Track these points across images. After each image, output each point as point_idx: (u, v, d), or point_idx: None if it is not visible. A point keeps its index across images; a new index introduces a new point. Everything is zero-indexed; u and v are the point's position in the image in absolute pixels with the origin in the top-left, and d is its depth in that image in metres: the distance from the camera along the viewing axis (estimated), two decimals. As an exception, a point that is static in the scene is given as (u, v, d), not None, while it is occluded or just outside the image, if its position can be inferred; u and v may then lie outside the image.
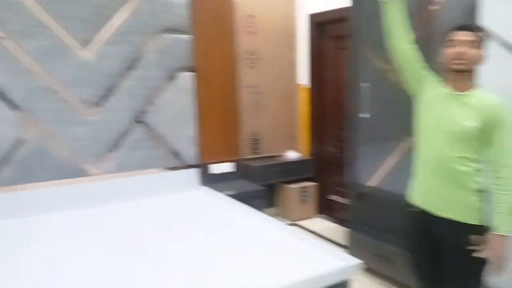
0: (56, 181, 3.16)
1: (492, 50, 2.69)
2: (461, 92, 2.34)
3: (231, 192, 3.69)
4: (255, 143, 4.42)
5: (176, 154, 3.74)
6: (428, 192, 2.48)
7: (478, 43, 2.28)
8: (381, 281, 3.88)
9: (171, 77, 3.64)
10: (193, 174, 3.82)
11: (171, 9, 3.57)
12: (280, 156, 4.62)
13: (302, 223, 4.89)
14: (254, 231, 2.54)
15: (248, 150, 4.37)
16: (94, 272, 2.08)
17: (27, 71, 2.99)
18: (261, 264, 2.07)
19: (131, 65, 3.42)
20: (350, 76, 3.81)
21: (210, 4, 3.85)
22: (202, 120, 3.92)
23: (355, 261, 1.96)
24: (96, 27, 3.23)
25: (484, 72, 2.60)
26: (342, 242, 4.34)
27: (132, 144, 3.48)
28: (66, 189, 3.19)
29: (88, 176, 3.28)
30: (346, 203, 4.15)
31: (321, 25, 4.58)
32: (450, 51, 2.31)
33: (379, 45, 3.04)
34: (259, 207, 2.93)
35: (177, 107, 3.70)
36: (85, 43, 3.19)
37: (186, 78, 3.73)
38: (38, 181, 3.08)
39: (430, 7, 3.37)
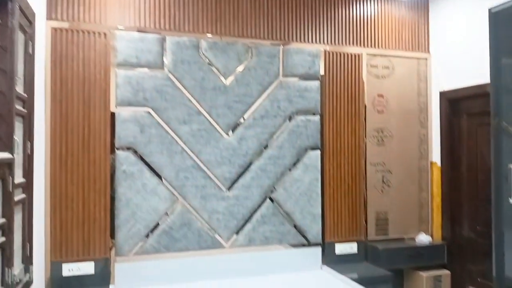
0: (194, 251, 3.43)
1: None
2: None
3: (354, 276, 3.56)
4: (382, 223, 4.27)
5: (300, 231, 3.80)
6: None
7: None
8: None
9: (300, 155, 3.81)
10: (316, 253, 3.82)
11: (304, 93, 3.82)
12: (409, 239, 4.35)
13: (433, 314, 4.41)
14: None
15: (374, 230, 4.23)
16: None
17: (180, 151, 3.42)
18: None
19: (265, 145, 3.68)
20: (494, 157, 3.52)
21: (340, 86, 4.02)
22: (328, 197, 3.96)
23: None
24: (239, 113, 3.60)
25: None
26: None
27: (260, 219, 3.66)
28: (203, 259, 3.45)
29: (221, 248, 3.51)
30: (489, 299, 3.65)
31: (454, 101, 4.40)
32: None
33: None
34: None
35: (305, 184, 3.81)
36: (228, 127, 3.56)
37: (314, 156, 3.87)
38: (179, 251, 3.39)
39: None
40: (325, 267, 3.80)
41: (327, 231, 3.94)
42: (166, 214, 3.38)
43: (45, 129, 3.07)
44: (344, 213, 4.04)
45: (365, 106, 4.15)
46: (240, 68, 3.62)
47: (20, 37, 2.42)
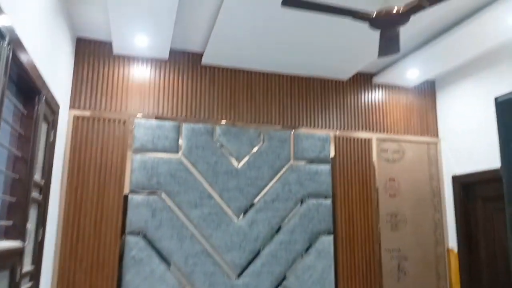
0: None
1: None
2: None
3: None
4: (400, 314, 4.03)
5: (315, 323, 3.59)
6: None
7: None
8: None
9: (312, 240, 3.73)
10: None
11: (315, 176, 3.84)
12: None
13: None
14: None
15: (392, 321, 3.98)
16: None
17: (190, 236, 3.38)
18: None
19: (276, 229, 3.63)
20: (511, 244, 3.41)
21: (351, 170, 4.06)
22: (342, 285, 3.79)
23: None
24: (250, 196, 3.61)
25: None
26: None
27: (272, 308, 3.49)
28: None
29: None
30: None
31: (468, 186, 4.37)
32: None
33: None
34: None
35: (317, 272, 3.68)
36: (239, 210, 3.56)
37: (327, 242, 3.78)
38: None
39: None
40: None
41: (342, 323, 3.72)
42: (174, 302, 3.26)
43: (58, 215, 3.10)
44: (359, 302, 3.85)
45: (377, 190, 4.14)
46: (252, 152, 3.70)
47: (43, 127, 2.55)
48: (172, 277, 3.29)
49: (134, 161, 3.35)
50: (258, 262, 3.52)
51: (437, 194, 4.41)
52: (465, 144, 4.25)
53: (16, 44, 1.83)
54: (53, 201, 2.90)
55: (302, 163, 3.83)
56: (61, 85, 2.96)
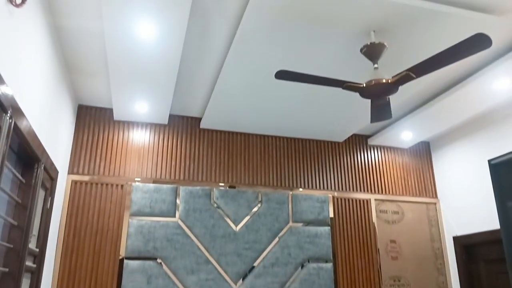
0: None
1: None
2: None
3: None
4: None
5: None
6: None
7: None
8: None
9: (313, 307, 3.60)
10: None
11: (314, 239, 3.79)
12: None
13: None
14: None
15: None
16: None
17: (186, 304, 3.27)
18: None
19: (275, 296, 3.51)
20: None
21: (351, 232, 4.01)
22: None
23: None
24: (249, 260, 3.53)
25: None
26: None
27: None
28: None
29: None
30: None
31: (470, 247, 4.29)
32: None
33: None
34: None
35: None
36: (238, 276, 3.47)
37: (329, 309, 3.64)
38: None
39: None
40: None
41: None
42: None
43: (52, 283, 3.02)
44: None
45: (378, 253, 4.06)
46: (250, 215, 3.67)
47: (40, 194, 2.57)
48: None
49: (130, 226, 3.33)
50: (256, 332, 3.37)
51: (439, 256, 4.32)
52: (463, 204, 4.23)
53: (17, 114, 1.90)
54: (47, 268, 2.84)
55: (301, 225, 3.79)
56: (61, 151, 3.02)
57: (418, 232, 4.30)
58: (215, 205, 3.61)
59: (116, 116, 3.55)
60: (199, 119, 3.85)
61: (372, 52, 2.30)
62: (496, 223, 3.71)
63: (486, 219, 3.92)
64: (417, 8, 2.22)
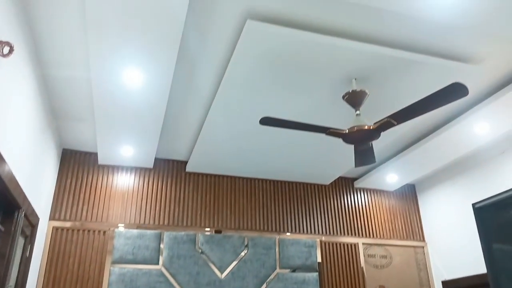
0: None
1: None
2: None
3: None
4: None
5: None
6: None
7: None
8: None
9: None
10: None
11: (302, 286, 3.69)
12: None
13: None
14: None
15: None
16: None
17: None
18: None
19: None
20: None
21: (339, 277, 3.93)
22: None
23: None
24: (233, 309, 3.41)
25: None
26: None
27: None
28: None
29: None
30: None
31: (460, 291, 4.25)
32: None
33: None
34: None
35: None
36: (222, 326, 3.33)
37: None
38: None
39: None
40: None
41: None
42: None
43: (26, 335, 2.86)
44: None
45: (367, 299, 3.97)
46: (236, 260, 3.59)
47: (19, 242, 2.48)
48: None
49: (112, 274, 3.21)
50: None
51: (429, 301, 4.25)
52: (451, 247, 4.21)
53: None
54: (22, 322, 2.70)
55: (288, 271, 3.71)
56: (43, 196, 2.96)
57: (407, 276, 4.24)
58: (200, 251, 3.53)
59: (101, 160, 3.52)
60: (184, 163, 3.84)
61: (354, 99, 2.36)
62: (483, 266, 3.69)
63: (474, 262, 3.89)
64: (396, 58, 2.31)
